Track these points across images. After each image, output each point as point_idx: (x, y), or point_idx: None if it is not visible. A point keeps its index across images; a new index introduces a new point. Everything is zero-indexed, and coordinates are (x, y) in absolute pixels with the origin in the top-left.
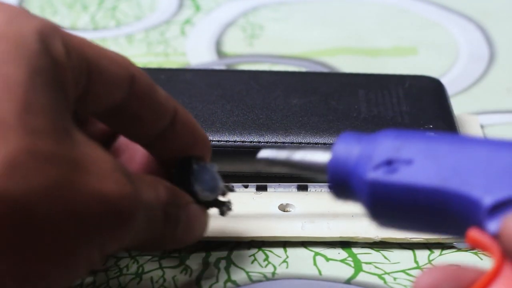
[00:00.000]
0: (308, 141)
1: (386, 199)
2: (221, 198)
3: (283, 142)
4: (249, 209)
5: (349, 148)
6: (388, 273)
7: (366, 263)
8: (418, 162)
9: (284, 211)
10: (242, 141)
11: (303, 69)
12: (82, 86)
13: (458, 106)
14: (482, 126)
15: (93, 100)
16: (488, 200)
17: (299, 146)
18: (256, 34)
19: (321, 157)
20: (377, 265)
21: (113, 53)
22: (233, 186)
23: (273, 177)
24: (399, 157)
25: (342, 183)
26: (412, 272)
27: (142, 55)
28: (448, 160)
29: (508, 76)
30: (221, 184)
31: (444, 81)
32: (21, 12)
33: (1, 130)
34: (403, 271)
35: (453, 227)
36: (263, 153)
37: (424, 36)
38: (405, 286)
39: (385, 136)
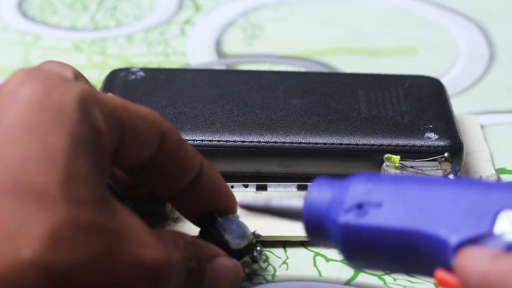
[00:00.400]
0: (308, 141)
1: (358, 241)
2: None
3: (283, 142)
4: None
5: (322, 193)
6: (388, 274)
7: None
8: (387, 204)
9: None
10: (242, 141)
11: (303, 69)
12: (115, 146)
13: (458, 106)
14: (482, 126)
15: (124, 157)
16: (454, 239)
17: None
18: (256, 34)
19: (296, 202)
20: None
21: (145, 111)
22: (259, 234)
23: (273, 177)
24: (369, 200)
25: (316, 227)
26: None
27: (142, 55)
28: (416, 202)
29: (508, 76)
30: (249, 231)
31: (444, 81)
32: (60, 80)
33: (46, 201)
34: None
35: (423, 266)
36: (244, 201)
37: (424, 36)
38: (404, 287)
39: (356, 180)
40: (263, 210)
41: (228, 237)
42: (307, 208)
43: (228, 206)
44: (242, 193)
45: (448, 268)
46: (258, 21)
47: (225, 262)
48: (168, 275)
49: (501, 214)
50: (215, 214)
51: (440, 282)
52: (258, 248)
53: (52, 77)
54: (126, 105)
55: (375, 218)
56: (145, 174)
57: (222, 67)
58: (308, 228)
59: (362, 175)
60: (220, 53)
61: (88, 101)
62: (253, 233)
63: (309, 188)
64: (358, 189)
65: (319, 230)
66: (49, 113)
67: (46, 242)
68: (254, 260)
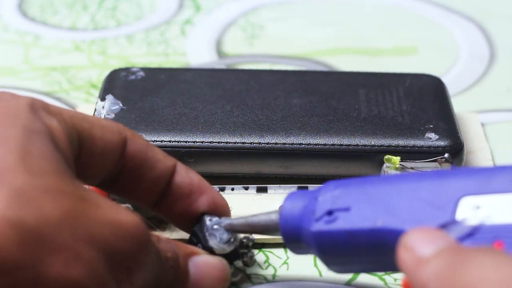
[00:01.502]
0: (308, 142)
1: (332, 247)
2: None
3: (284, 143)
4: (249, 211)
5: (295, 206)
6: (389, 274)
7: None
8: (355, 208)
9: None
10: (243, 142)
11: (302, 69)
12: (75, 152)
13: (459, 106)
14: (482, 124)
15: (89, 166)
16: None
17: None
18: (256, 34)
19: (273, 216)
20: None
21: (105, 120)
22: (253, 238)
23: (273, 178)
24: (338, 206)
25: (294, 238)
26: None
27: (142, 55)
28: (381, 201)
29: (508, 75)
30: (237, 236)
31: (444, 81)
32: (10, 94)
33: (5, 173)
34: None
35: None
36: (226, 221)
37: (424, 36)
38: None
39: (325, 189)
40: (244, 227)
41: (212, 243)
42: (283, 221)
43: (214, 204)
44: (243, 195)
45: None
46: (258, 21)
47: (208, 259)
48: (147, 239)
49: (461, 201)
50: (204, 217)
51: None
52: (249, 254)
53: (4, 93)
54: (83, 116)
55: (345, 223)
56: (121, 184)
57: (222, 67)
58: (287, 240)
59: (330, 183)
60: (220, 53)
61: (38, 107)
62: (247, 238)
63: (283, 202)
64: (327, 197)
65: (297, 241)
66: (3, 114)
67: (11, 200)
68: (246, 264)
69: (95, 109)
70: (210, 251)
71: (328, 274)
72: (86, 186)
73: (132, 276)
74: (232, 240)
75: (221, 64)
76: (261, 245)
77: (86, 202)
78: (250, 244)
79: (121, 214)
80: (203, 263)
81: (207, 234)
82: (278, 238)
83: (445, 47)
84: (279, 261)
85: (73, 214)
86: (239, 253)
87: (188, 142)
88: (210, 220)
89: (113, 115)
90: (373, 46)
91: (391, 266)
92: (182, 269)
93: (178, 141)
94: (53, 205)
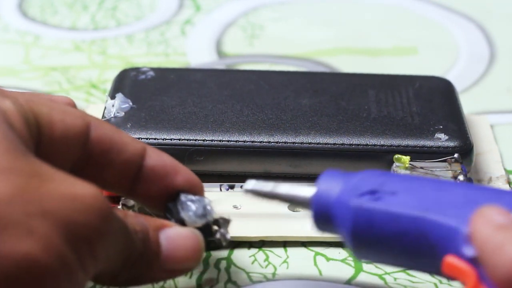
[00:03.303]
0: (318, 142)
1: (369, 226)
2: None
3: (293, 143)
4: (259, 209)
5: (333, 181)
6: (389, 273)
7: (367, 263)
8: (401, 194)
9: (293, 211)
10: (252, 141)
11: (303, 69)
12: (34, 136)
13: None
14: (491, 126)
15: (55, 153)
16: (465, 228)
17: (285, 179)
18: (256, 34)
19: (305, 191)
20: (378, 265)
21: (67, 107)
22: (229, 219)
23: (282, 177)
24: (383, 188)
25: (325, 215)
26: (413, 272)
27: (142, 55)
28: (428, 194)
29: (508, 75)
30: (212, 213)
31: None
32: None
33: None
34: (403, 271)
35: (430, 258)
36: (249, 185)
37: (424, 36)
38: (405, 286)
39: (370, 172)
40: (269, 195)
41: (184, 214)
42: (317, 196)
43: (187, 183)
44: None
45: (458, 256)
46: (258, 21)
47: (179, 230)
48: (109, 210)
49: None
50: (180, 194)
51: (449, 268)
52: (222, 230)
53: None
54: (41, 101)
55: (389, 204)
56: (91, 171)
57: (222, 67)
58: (316, 217)
59: (375, 170)
60: (220, 53)
61: None
62: (223, 218)
63: (320, 178)
64: (372, 179)
65: (327, 219)
66: None
67: None
68: (218, 243)
69: (105, 107)
70: (182, 223)
71: (328, 273)
72: (38, 159)
73: (94, 248)
74: (206, 214)
75: (221, 64)
76: (261, 244)
77: (38, 177)
78: (227, 224)
79: (77, 187)
80: (174, 234)
81: (179, 207)
82: (277, 236)
83: (445, 47)
84: (279, 260)
85: (24, 190)
86: (212, 230)
87: (198, 140)
88: (186, 197)
89: (123, 113)
90: (373, 46)
91: (421, 261)
92: (153, 242)
93: (187, 140)
94: (3, 183)
